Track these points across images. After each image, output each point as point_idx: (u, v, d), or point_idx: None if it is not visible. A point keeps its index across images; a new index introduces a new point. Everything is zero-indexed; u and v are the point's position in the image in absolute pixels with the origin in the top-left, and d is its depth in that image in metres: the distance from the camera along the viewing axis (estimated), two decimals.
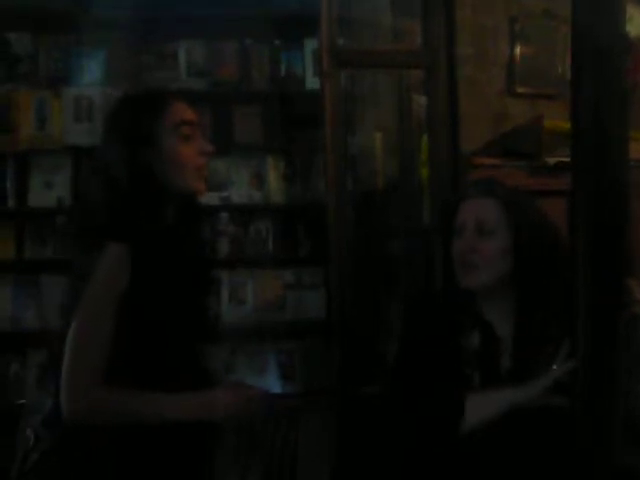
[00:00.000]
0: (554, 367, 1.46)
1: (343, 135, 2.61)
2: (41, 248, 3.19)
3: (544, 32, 2.62)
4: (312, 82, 3.23)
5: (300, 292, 3.28)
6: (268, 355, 3.25)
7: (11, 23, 3.17)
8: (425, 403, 1.55)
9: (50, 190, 3.19)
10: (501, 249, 1.57)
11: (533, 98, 2.61)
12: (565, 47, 2.59)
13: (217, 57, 3.32)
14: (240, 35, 3.30)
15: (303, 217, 3.32)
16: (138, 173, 1.48)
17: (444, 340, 1.60)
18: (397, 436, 1.63)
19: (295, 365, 3.25)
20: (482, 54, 2.59)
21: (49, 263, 3.16)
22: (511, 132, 2.53)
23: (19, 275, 3.18)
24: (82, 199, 1.69)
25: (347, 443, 2.49)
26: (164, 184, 1.52)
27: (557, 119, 2.31)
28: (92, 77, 3.20)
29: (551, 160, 2.33)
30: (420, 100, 2.75)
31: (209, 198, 2.91)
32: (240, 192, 3.32)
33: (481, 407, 1.50)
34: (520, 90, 2.62)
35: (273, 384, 3.14)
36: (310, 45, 3.27)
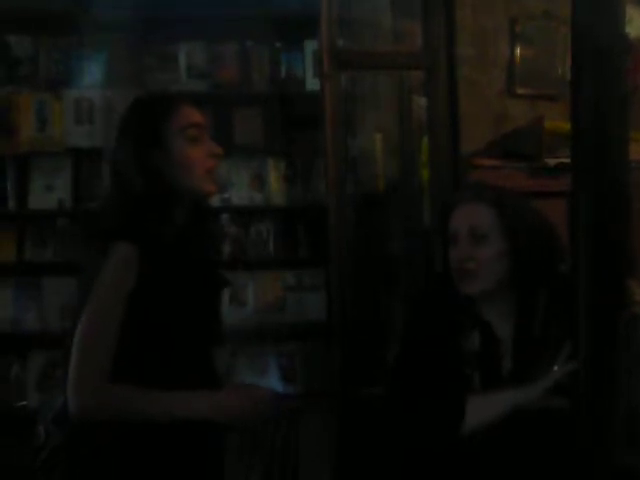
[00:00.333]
0: (555, 368, 1.46)
1: (343, 136, 2.62)
2: (42, 250, 3.19)
3: (544, 33, 2.62)
4: (312, 83, 3.23)
5: (301, 294, 3.28)
6: (269, 357, 3.24)
7: (11, 25, 3.17)
8: (426, 404, 1.55)
9: (51, 192, 3.19)
10: (497, 253, 1.57)
11: (533, 99, 2.61)
12: (565, 48, 2.59)
13: (217, 59, 3.32)
14: (240, 37, 3.30)
15: (304, 219, 3.32)
16: (147, 175, 1.50)
17: (444, 341, 1.60)
18: (398, 438, 1.63)
19: (296, 367, 3.25)
20: (482, 55, 2.59)
21: (50, 265, 3.16)
22: (511, 133, 2.53)
23: (20, 277, 3.18)
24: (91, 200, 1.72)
25: (348, 445, 2.49)
26: (173, 186, 1.53)
27: (557, 120, 2.31)
28: (92, 79, 3.19)
29: (551, 161, 2.33)
30: (420, 101, 2.75)
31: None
32: (240, 194, 3.31)
33: (482, 409, 1.50)
34: (520, 91, 2.62)
35: (274, 386, 3.14)
36: (310, 47, 3.27)
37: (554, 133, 2.32)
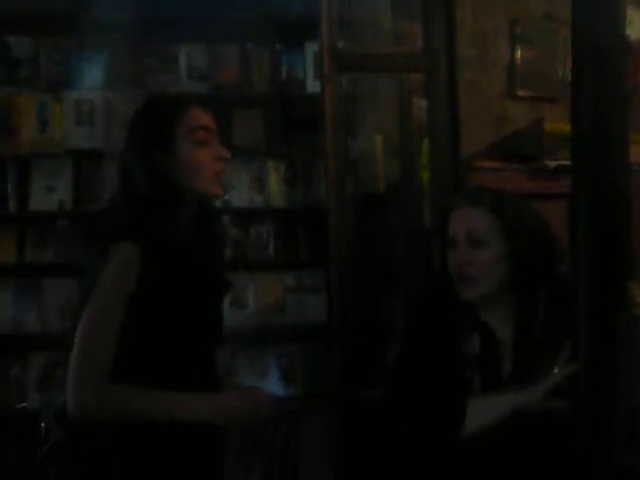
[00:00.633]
0: (555, 370, 1.46)
1: (344, 138, 2.62)
2: (42, 252, 3.19)
3: (544, 35, 2.62)
4: (313, 85, 3.23)
5: (301, 295, 3.28)
6: (269, 358, 3.24)
7: (11, 26, 3.17)
8: (426, 406, 1.55)
9: (51, 194, 3.19)
10: (496, 257, 1.57)
11: (534, 101, 2.61)
12: (565, 50, 2.59)
13: (218, 60, 3.33)
14: (241, 38, 3.31)
15: (304, 220, 3.32)
16: (153, 176, 1.50)
17: (445, 343, 1.60)
18: (398, 439, 1.63)
19: (296, 368, 3.25)
20: (482, 57, 2.59)
21: (50, 267, 3.17)
22: (512, 135, 2.53)
23: (20, 279, 3.18)
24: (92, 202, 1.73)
25: (348, 446, 2.49)
26: (180, 188, 1.53)
27: (558, 122, 2.31)
28: (93, 80, 3.20)
29: (552, 163, 2.33)
30: (420, 103, 2.75)
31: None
32: (241, 195, 3.32)
33: (482, 411, 1.50)
34: (521, 93, 2.62)
35: (274, 387, 3.14)
36: (311, 48, 3.27)
37: (554, 135, 2.32)
